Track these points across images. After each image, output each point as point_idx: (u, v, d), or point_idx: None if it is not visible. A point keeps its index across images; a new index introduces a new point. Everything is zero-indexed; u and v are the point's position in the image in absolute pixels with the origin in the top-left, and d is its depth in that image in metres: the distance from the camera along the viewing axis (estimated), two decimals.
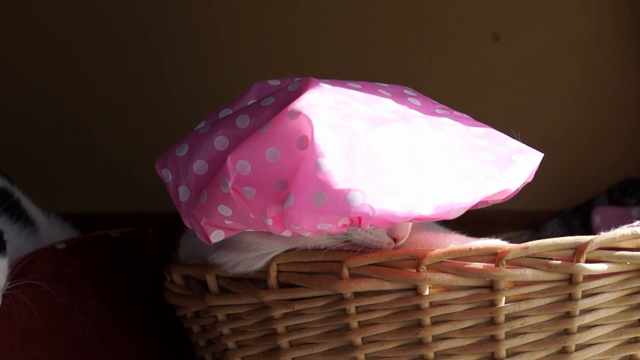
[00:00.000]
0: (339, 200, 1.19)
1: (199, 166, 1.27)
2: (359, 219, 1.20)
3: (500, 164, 1.27)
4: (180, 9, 1.93)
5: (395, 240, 1.28)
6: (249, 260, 1.29)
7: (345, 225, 1.22)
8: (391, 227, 1.26)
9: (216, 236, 1.26)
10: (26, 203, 1.57)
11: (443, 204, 1.22)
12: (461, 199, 1.22)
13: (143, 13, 1.95)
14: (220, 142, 1.27)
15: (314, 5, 1.88)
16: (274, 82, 1.33)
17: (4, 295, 1.34)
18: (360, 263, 1.25)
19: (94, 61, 1.97)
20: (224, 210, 1.23)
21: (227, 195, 1.22)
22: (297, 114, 1.23)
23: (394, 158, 1.23)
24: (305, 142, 1.21)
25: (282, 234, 1.24)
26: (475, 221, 1.63)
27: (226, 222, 1.24)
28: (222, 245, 1.30)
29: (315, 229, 1.21)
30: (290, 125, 1.23)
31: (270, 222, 1.21)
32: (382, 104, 1.30)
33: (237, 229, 1.26)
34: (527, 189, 1.82)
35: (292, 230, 1.22)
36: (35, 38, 1.98)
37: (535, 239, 1.25)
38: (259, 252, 1.29)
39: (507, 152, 1.29)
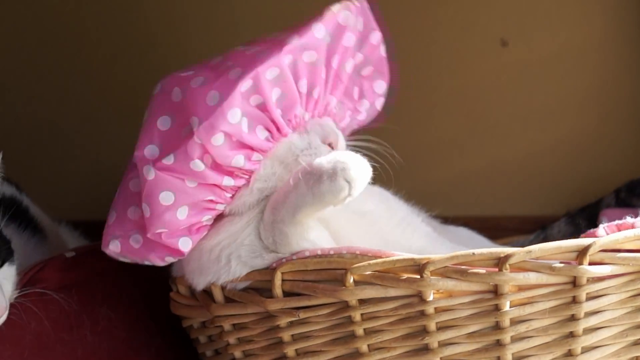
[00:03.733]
0: (228, 82, 1.27)
1: (132, 212, 1.32)
2: (277, 126, 1.29)
3: None
4: (182, 17, 1.93)
5: (330, 146, 1.32)
6: (226, 269, 1.31)
7: (269, 141, 1.29)
8: (322, 134, 1.32)
9: (184, 244, 1.30)
10: (35, 211, 1.57)
11: None
12: None
13: (147, 23, 1.96)
14: (134, 184, 1.33)
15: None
16: None
17: (13, 304, 1.35)
18: (365, 270, 1.25)
19: (102, 69, 1.98)
20: (167, 197, 1.27)
21: (156, 179, 1.27)
22: (162, 82, 1.34)
23: None
24: (177, 92, 1.31)
25: (223, 184, 1.28)
26: (483, 227, 1.63)
27: (177, 215, 1.28)
28: (196, 271, 1.33)
29: (239, 129, 1.26)
30: (160, 93, 1.33)
31: (202, 165, 1.27)
32: None
33: (194, 224, 1.29)
34: (535, 194, 1.82)
35: (217, 152, 1.26)
36: (40, 43, 1.99)
37: (542, 238, 1.25)
38: (226, 257, 1.31)
39: None
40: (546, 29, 1.79)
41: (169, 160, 1.28)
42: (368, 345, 1.27)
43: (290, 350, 1.30)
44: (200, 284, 1.34)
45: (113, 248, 1.33)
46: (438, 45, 1.83)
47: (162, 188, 1.28)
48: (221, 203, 1.31)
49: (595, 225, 1.22)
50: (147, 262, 1.33)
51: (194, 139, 1.26)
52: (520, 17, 1.80)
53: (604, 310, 1.25)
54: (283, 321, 1.29)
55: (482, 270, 1.23)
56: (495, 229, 1.42)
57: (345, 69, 1.39)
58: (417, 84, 1.78)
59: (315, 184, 1.25)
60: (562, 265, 1.22)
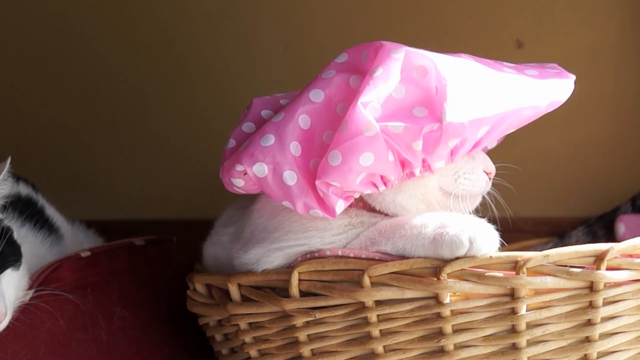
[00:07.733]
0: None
1: (295, 147, 1.27)
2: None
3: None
4: (203, 16, 1.93)
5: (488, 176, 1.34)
6: (274, 253, 1.30)
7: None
8: (485, 163, 1.34)
9: (340, 206, 1.27)
10: (50, 211, 1.57)
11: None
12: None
13: (165, 22, 1.96)
14: (303, 121, 1.28)
15: (337, 14, 1.89)
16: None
17: (27, 304, 1.35)
18: (381, 271, 1.25)
19: (118, 69, 1.98)
20: (367, 159, 1.24)
21: (373, 138, 1.23)
22: (398, 47, 1.27)
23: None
24: (423, 71, 1.26)
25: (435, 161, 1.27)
26: (497, 228, 1.62)
27: (357, 178, 1.25)
28: (248, 241, 1.32)
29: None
30: (401, 61, 1.26)
31: (420, 145, 1.24)
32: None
33: (351, 192, 1.26)
34: (549, 196, 1.82)
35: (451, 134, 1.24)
36: (55, 45, 2.00)
37: (559, 247, 1.25)
38: (290, 242, 1.30)
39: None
40: (562, 30, 1.79)
41: (396, 129, 1.24)
42: (384, 347, 1.28)
43: (306, 350, 1.31)
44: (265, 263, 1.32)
45: (257, 171, 1.26)
46: (453, 46, 1.82)
47: (372, 149, 1.24)
48: (384, 185, 1.29)
49: (613, 233, 1.23)
50: (284, 203, 1.27)
51: (433, 125, 1.24)
52: (536, 18, 1.80)
53: (621, 316, 1.25)
54: (299, 321, 1.30)
55: (499, 274, 1.23)
56: (510, 230, 1.41)
57: None
58: None
59: (440, 231, 1.24)
60: (579, 270, 1.23)
